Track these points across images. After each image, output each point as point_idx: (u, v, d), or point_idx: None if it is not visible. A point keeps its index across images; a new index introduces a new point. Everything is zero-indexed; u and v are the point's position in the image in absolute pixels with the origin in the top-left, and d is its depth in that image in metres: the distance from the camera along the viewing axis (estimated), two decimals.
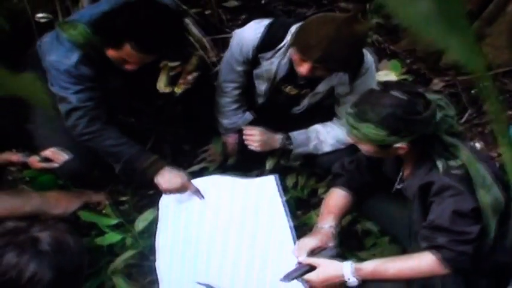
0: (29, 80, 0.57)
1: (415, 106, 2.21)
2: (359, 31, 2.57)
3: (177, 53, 2.73)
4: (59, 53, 2.60)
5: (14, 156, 2.79)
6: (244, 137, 3.06)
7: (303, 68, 2.65)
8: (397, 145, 2.27)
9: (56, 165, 2.74)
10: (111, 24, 2.51)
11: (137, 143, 2.84)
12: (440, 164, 2.26)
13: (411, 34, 3.98)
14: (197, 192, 2.88)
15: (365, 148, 2.38)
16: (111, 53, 2.59)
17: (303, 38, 2.60)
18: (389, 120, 2.20)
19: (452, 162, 2.26)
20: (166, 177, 2.80)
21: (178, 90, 2.85)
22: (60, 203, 2.75)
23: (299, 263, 2.51)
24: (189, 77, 2.84)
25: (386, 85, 2.35)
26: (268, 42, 2.87)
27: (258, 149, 3.03)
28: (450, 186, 2.22)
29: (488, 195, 2.21)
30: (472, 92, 4.01)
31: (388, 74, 3.83)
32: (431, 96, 2.32)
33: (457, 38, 0.49)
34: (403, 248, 2.74)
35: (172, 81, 2.83)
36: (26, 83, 0.57)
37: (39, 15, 2.86)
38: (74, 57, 2.59)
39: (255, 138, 3.01)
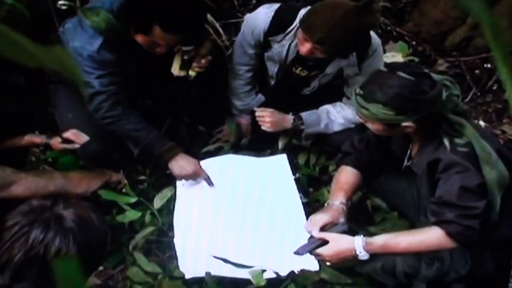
0: (61, 53, 0.59)
1: (421, 86, 2.25)
2: (365, 22, 2.62)
3: (196, 36, 2.78)
4: (82, 39, 2.64)
5: (37, 138, 2.81)
6: (256, 118, 3.15)
7: (304, 48, 2.72)
8: (405, 124, 2.31)
9: (76, 146, 2.78)
10: (138, 10, 2.55)
11: (155, 129, 2.90)
12: (447, 142, 2.30)
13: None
14: (208, 179, 2.97)
15: (374, 127, 2.43)
16: (140, 38, 2.63)
17: (310, 18, 2.66)
18: (396, 100, 2.25)
19: (458, 140, 2.30)
20: (180, 164, 2.89)
21: (192, 73, 2.90)
22: (82, 183, 2.81)
23: (311, 237, 2.56)
24: (203, 61, 2.87)
25: (393, 66, 2.39)
26: (278, 25, 2.93)
27: (270, 129, 3.10)
28: (457, 163, 2.27)
29: (494, 171, 2.26)
30: (476, 72, 4.07)
31: (395, 56, 3.87)
32: (436, 76, 2.37)
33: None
34: (412, 223, 2.80)
35: (187, 65, 2.89)
36: (58, 56, 0.58)
37: (61, 2, 2.91)
38: (97, 43, 2.63)
39: (266, 119, 3.08)
